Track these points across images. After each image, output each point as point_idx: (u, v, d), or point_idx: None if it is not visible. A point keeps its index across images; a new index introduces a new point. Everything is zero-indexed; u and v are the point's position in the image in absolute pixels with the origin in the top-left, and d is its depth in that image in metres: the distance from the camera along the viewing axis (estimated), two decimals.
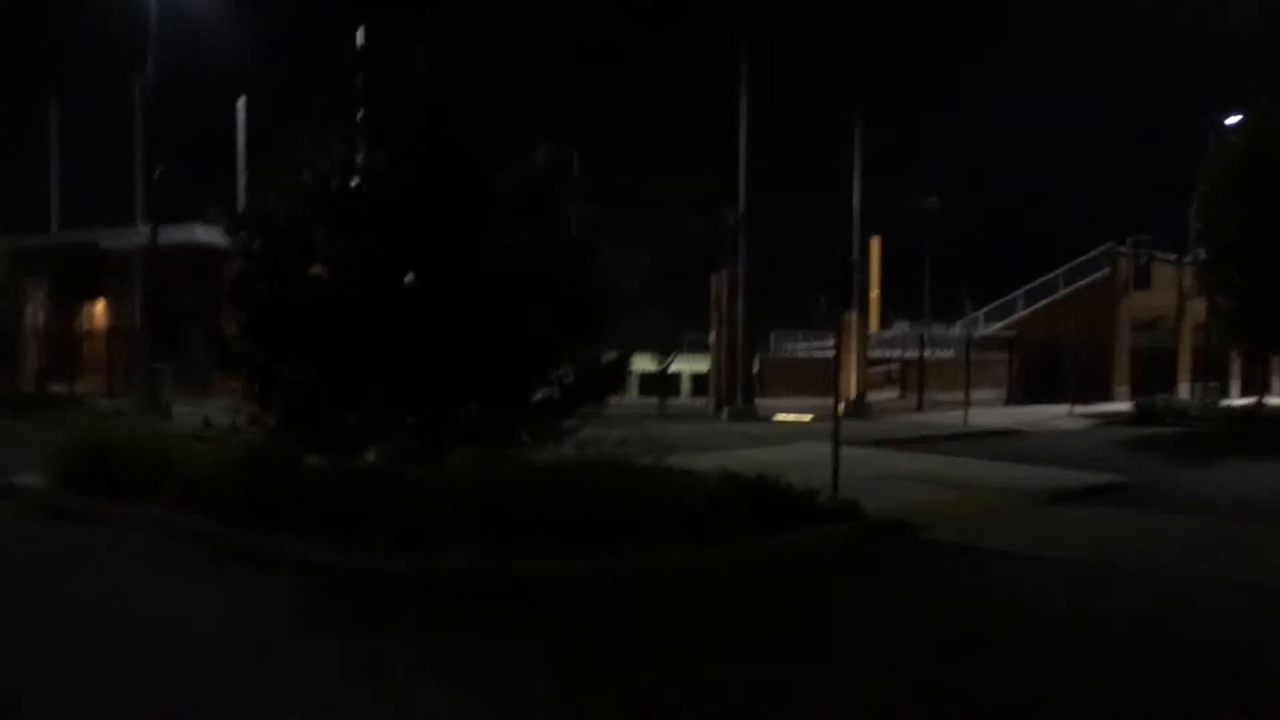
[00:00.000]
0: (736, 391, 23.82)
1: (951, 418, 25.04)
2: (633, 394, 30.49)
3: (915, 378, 30.16)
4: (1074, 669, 6.31)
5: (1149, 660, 6.55)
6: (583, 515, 8.70)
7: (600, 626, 7.07)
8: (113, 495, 10.68)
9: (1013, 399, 32.40)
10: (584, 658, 6.39)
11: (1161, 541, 10.33)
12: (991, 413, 27.99)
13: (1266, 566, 9.25)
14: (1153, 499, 13.24)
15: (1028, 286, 38.61)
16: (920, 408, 28.31)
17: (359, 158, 10.39)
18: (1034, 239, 47.36)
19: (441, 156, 10.23)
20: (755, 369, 32.09)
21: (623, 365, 11.67)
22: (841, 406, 26.12)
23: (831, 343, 27.82)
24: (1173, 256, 38.55)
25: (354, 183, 10.33)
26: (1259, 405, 29.87)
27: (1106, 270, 37.26)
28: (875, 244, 41.08)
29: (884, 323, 43.76)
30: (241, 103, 23.40)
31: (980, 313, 39.60)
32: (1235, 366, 39.16)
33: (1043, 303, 37.71)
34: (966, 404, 25.80)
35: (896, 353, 34.47)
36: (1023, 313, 38.08)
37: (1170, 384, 36.75)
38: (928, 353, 33.60)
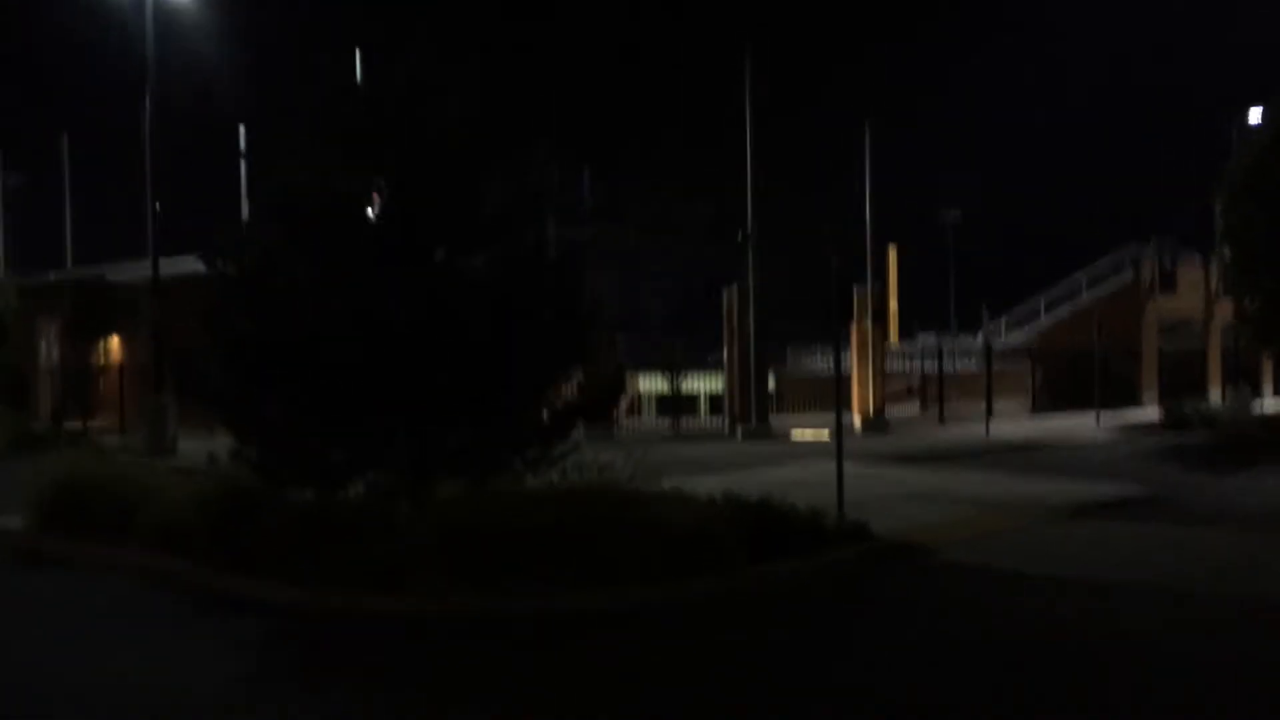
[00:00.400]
0: (750, 409, 23.27)
1: (973, 431, 24.39)
2: (649, 415, 30.08)
3: (936, 391, 29.49)
4: None
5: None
6: (566, 549, 8.23)
7: (551, 679, 6.57)
8: (89, 537, 10.32)
9: (1037, 409, 31.66)
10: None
11: (1190, 560, 9.74)
12: (1014, 424, 27.29)
13: None
14: (1180, 512, 12.62)
15: (1049, 293, 37.85)
16: (941, 421, 27.65)
17: (334, 177, 10.01)
18: (1054, 242, 46.59)
19: (419, 173, 9.85)
20: (772, 385, 31.59)
21: (616, 387, 11.24)
22: (858, 422, 25.69)
23: (848, 358, 27.37)
24: (1198, 257, 37.75)
25: (330, 203, 9.94)
26: None
27: (1130, 273, 36.50)
28: (892, 253, 40.46)
29: (909, 335, 43.10)
30: (242, 130, 23.24)
31: (1001, 321, 38.86)
32: (1267, 369, 38.18)
33: (1065, 309, 36.93)
34: (988, 416, 25.15)
35: (916, 365, 33.80)
36: (1045, 320, 37.31)
37: (1200, 389, 35.86)
38: (948, 365, 32.94)
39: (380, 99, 10.32)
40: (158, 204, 21.69)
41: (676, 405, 26.03)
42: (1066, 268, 37.92)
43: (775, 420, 25.22)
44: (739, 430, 23.36)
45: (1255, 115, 29.35)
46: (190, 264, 25.23)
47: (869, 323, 25.50)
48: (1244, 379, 32.52)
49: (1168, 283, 36.99)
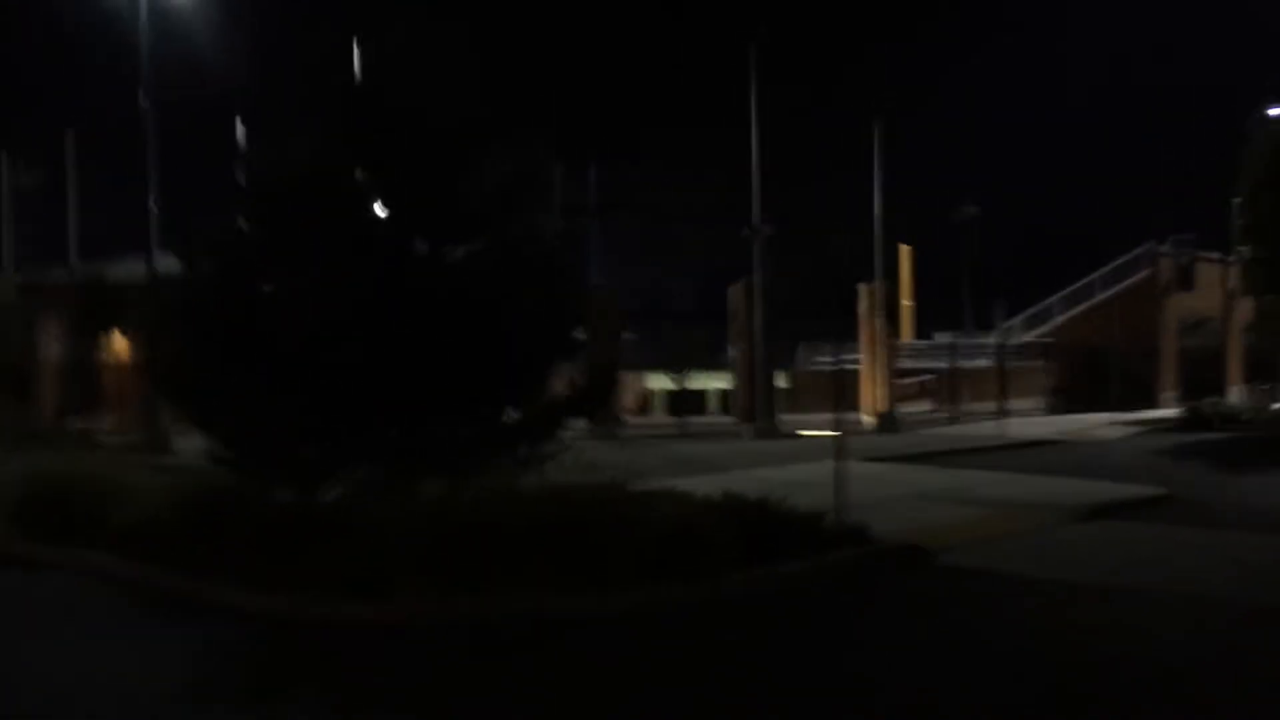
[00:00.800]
0: (758, 407, 22.81)
1: (986, 429, 23.86)
2: (658, 413, 29.67)
3: (949, 389, 28.96)
4: None
5: None
6: (551, 551, 7.79)
7: (539, 687, 6.13)
8: (61, 537, 9.93)
9: (1053, 408, 31.09)
10: None
11: (1209, 564, 9.22)
12: (1029, 423, 26.76)
13: None
14: (1199, 513, 12.10)
15: (1065, 291, 37.23)
16: (954, 420, 27.11)
17: (313, 163, 9.62)
18: (1073, 242, 45.91)
19: (400, 159, 9.44)
20: (784, 383, 31.10)
21: (609, 384, 10.82)
22: (868, 420, 25.18)
23: (855, 356, 26.89)
24: (1217, 255, 37.09)
25: (307, 190, 9.54)
26: None
27: (1147, 271, 35.88)
28: (906, 252, 39.79)
29: (925, 334, 42.47)
30: (239, 123, 22.85)
31: (1017, 320, 38.21)
32: None
33: (1081, 307, 36.31)
34: (1001, 414, 24.62)
35: (929, 364, 33.27)
36: (1061, 318, 36.69)
37: (1219, 388, 35.20)
38: (962, 363, 32.39)
39: (365, 85, 9.96)
40: (152, 200, 21.38)
41: (683, 403, 25.61)
42: (1084, 268, 37.34)
43: (786, 418, 24.76)
44: (747, 429, 22.88)
45: (1276, 109, 28.73)
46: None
47: (880, 320, 25.00)
48: (1264, 377, 31.86)
49: (1186, 280, 36.37)
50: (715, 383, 29.38)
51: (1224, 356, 37.79)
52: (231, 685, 6.23)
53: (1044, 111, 73.07)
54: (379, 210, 9.47)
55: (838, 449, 10.52)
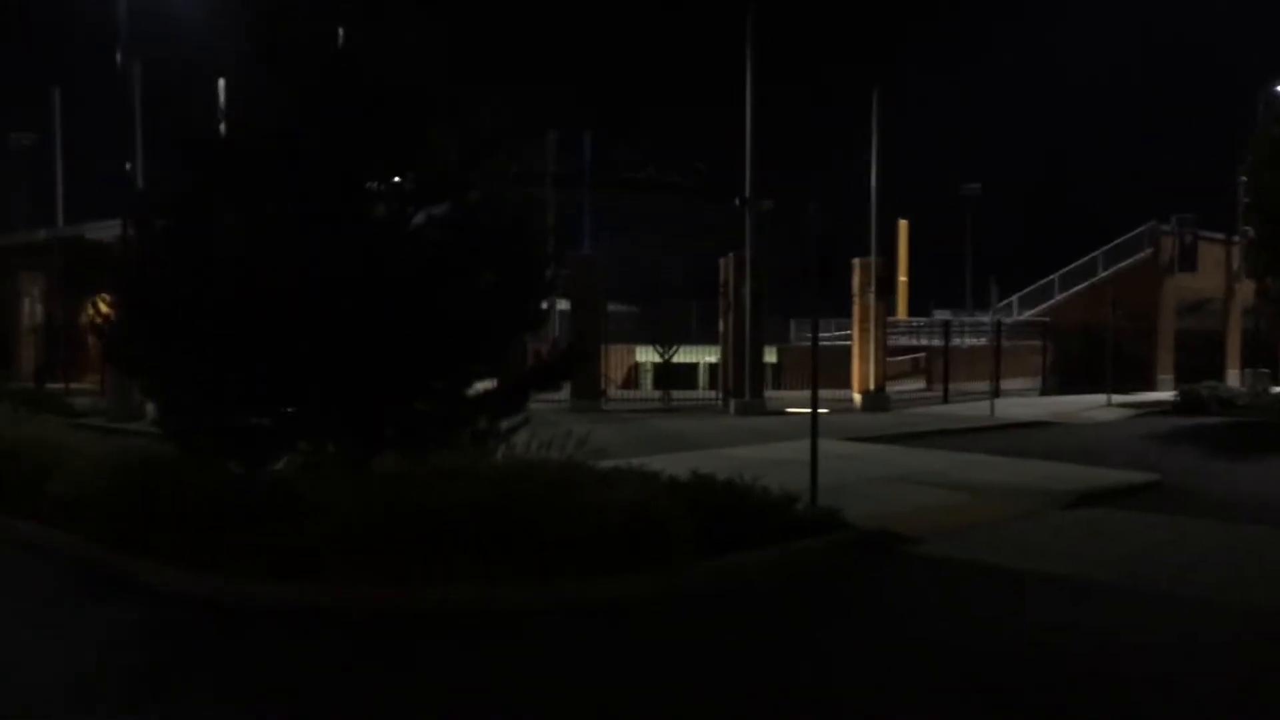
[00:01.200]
0: (745, 382, 22.31)
1: (978, 409, 23.40)
2: (645, 387, 29.18)
3: (942, 367, 28.47)
4: None
5: None
6: (496, 536, 7.33)
7: (419, 687, 5.69)
8: None
9: (1047, 388, 30.62)
10: None
11: (1198, 558, 8.78)
12: (1022, 403, 26.30)
13: None
14: (1189, 501, 11.65)
15: (1065, 270, 36.66)
16: (946, 399, 26.64)
17: (264, 116, 9.10)
18: (1076, 222, 45.32)
19: (355, 109, 8.90)
20: (774, 359, 30.56)
21: (574, 356, 10.32)
22: (858, 398, 24.70)
23: (848, 332, 26.37)
24: (1220, 235, 36.52)
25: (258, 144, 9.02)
26: None
27: (1149, 251, 35.31)
28: (903, 227, 39.31)
29: (925, 311, 41.99)
30: (221, 85, 22.27)
31: (1015, 298, 37.69)
32: None
33: (1080, 286, 35.75)
34: (993, 394, 24.15)
35: (925, 341, 32.79)
36: (1059, 297, 36.14)
37: (1218, 371, 34.72)
38: (957, 341, 31.87)
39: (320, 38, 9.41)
40: (127, 164, 20.87)
41: (671, 377, 25.12)
42: (1087, 246, 36.77)
43: (774, 395, 24.29)
44: (732, 404, 22.41)
45: None
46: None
47: (872, 296, 24.48)
48: (1263, 361, 31.39)
49: (1188, 261, 35.77)
50: (707, 357, 28.87)
51: (1224, 339, 37.29)
52: (126, 678, 5.74)
53: (1049, 89, 72.16)
54: (334, 168, 8.92)
55: (813, 428, 10.03)
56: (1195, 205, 37.41)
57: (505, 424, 9.57)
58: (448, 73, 9.51)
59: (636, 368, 31.26)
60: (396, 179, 9.20)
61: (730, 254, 23.08)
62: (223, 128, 9.46)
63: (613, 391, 24.48)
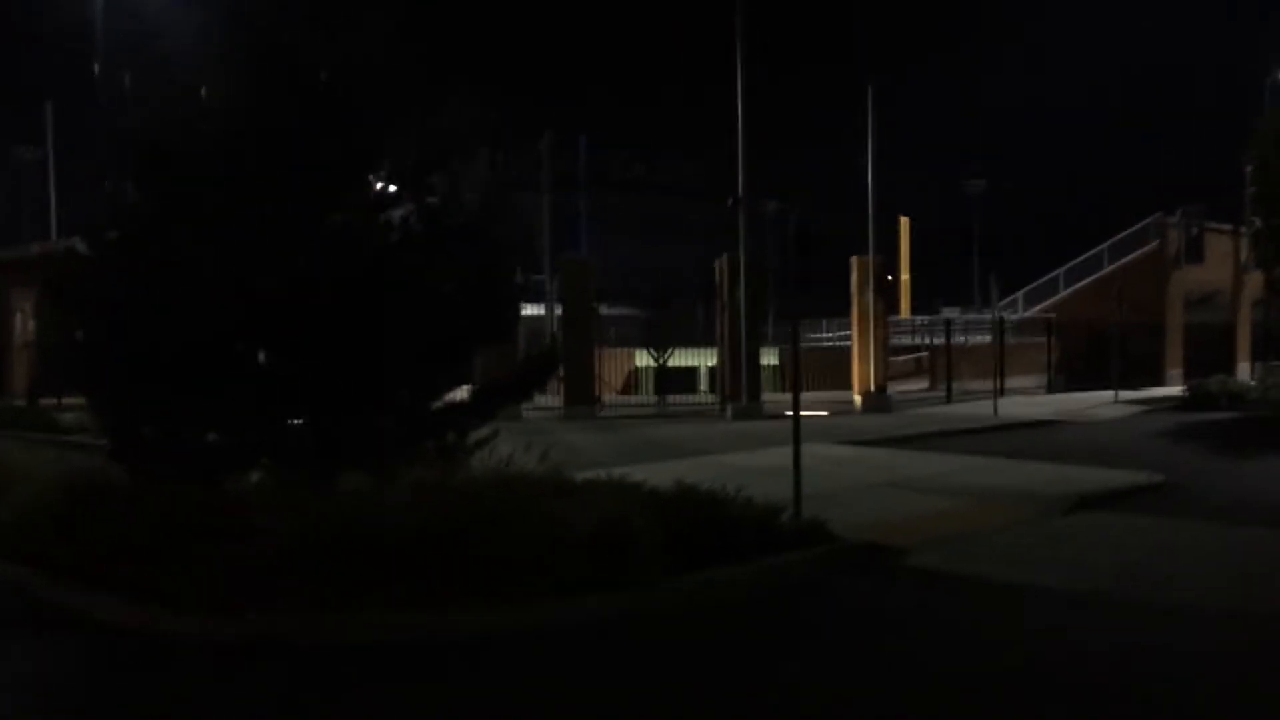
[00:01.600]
0: (742, 386, 21.85)
1: (981, 409, 22.89)
2: (647, 392, 28.73)
3: (946, 366, 27.96)
4: None
5: None
6: (454, 557, 6.89)
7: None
8: None
9: (1054, 386, 30.06)
10: None
11: (1206, 568, 8.29)
12: (1028, 402, 25.78)
13: None
14: (1198, 504, 11.16)
15: (1069, 264, 36.08)
16: (949, 399, 26.13)
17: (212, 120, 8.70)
18: (1082, 217, 44.77)
19: (309, 103, 8.49)
20: (774, 361, 30.06)
21: (547, 363, 9.89)
22: (858, 399, 24.20)
23: (849, 332, 25.89)
24: (1227, 226, 35.91)
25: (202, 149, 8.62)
26: None
27: (1155, 243, 34.71)
28: (905, 224, 38.79)
29: (931, 309, 41.39)
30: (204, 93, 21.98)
31: (1020, 294, 37.12)
32: None
33: (1086, 281, 35.14)
34: (997, 393, 23.62)
35: (928, 340, 32.26)
36: (1064, 293, 35.55)
37: (1228, 365, 34.12)
38: (962, 339, 31.34)
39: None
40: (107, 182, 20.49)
41: (669, 381, 24.68)
42: (1092, 240, 36.19)
43: (774, 398, 23.80)
44: (729, 409, 21.94)
45: None
46: None
47: (870, 295, 23.99)
48: (1274, 354, 30.82)
49: (1195, 253, 35.17)
50: (708, 360, 28.43)
51: (1233, 332, 36.68)
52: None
53: (1052, 82, 71.53)
54: (284, 171, 8.51)
55: (795, 433, 9.58)
56: (1201, 196, 36.76)
57: (475, 436, 9.17)
58: (419, 75, 9.12)
59: (637, 372, 30.84)
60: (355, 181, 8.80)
61: (724, 255, 22.62)
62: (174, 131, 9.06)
63: (608, 397, 24.04)
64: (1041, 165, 58.31)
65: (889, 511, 10.37)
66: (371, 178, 8.75)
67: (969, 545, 8.97)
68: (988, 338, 30.81)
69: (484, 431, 9.18)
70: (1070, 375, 30.69)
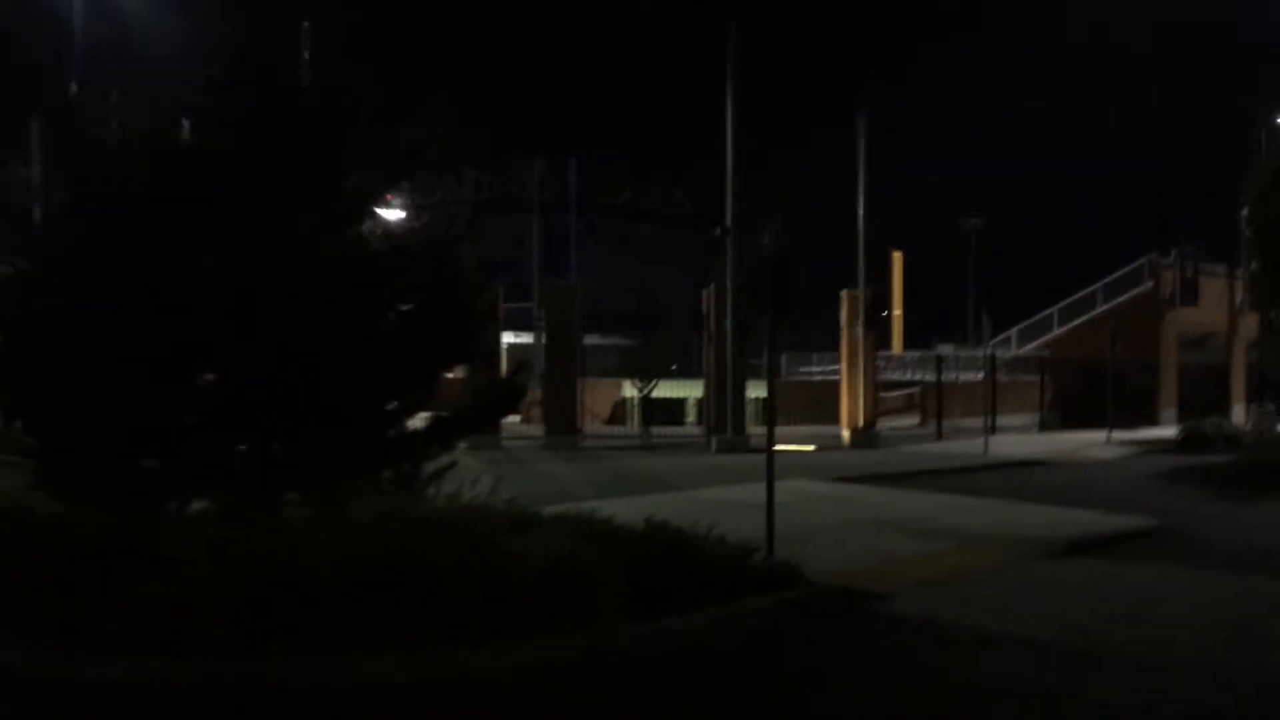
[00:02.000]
0: (727, 418, 21.38)
1: (971, 447, 22.42)
2: (633, 423, 28.25)
3: (936, 403, 27.53)
4: None
5: None
6: (396, 598, 6.40)
7: None
8: None
9: (1047, 424, 29.65)
10: None
11: (1200, 620, 7.81)
12: (1019, 440, 25.33)
13: None
14: (1195, 550, 10.69)
15: (1063, 302, 35.75)
16: (939, 436, 25.67)
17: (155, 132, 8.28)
18: (1078, 256, 44.52)
19: (258, 135, 8.09)
20: (763, 393, 29.58)
21: (512, 391, 9.41)
22: (846, 435, 23.74)
23: (836, 366, 25.48)
24: (1222, 268, 35.65)
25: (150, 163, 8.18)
26: None
27: (1149, 284, 34.42)
28: (897, 259, 38.47)
29: (926, 345, 40.99)
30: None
31: (1013, 331, 36.74)
32: None
33: (1080, 320, 34.80)
34: (988, 431, 23.17)
35: (920, 376, 31.82)
36: (1058, 331, 35.18)
37: (1222, 406, 33.73)
38: (954, 375, 30.91)
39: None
40: None
41: (654, 412, 24.22)
42: (1087, 280, 35.90)
43: (760, 431, 23.30)
44: (713, 441, 21.45)
45: None
46: None
47: (860, 328, 23.58)
48: (1269, 397, 30.44)
49: (1189, 293, 34.87)
50: (695, 392, 27.98)
51: (1228, 374, 36.34)
52: None
53: (1047, 121, 71.68)
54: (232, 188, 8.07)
55: (769, 470, 9.11)
56: (1195, 238, 36.49)
57: (435, 465, 8.69)
58: (377, 91, 8.71)
59: (624, 402, 30.37)
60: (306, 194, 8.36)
61: (712, 284, 22.22)
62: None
63: (591, 427, 23.54)
64: (1037, 203, 58.15)
65: (869, 553, 9.87)
66: (325, 191, 8.30)
67: (950, 592, 8.47)
68: (979, 375, 30.40)
69: (444, 461, 8.71)
70: (1063, 413, 30.29)
